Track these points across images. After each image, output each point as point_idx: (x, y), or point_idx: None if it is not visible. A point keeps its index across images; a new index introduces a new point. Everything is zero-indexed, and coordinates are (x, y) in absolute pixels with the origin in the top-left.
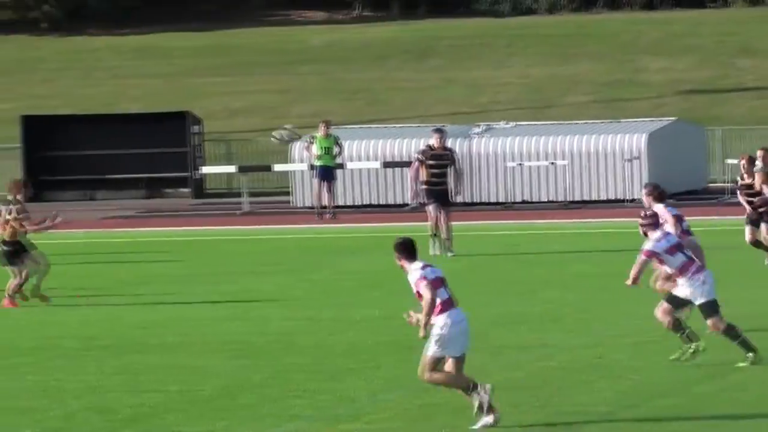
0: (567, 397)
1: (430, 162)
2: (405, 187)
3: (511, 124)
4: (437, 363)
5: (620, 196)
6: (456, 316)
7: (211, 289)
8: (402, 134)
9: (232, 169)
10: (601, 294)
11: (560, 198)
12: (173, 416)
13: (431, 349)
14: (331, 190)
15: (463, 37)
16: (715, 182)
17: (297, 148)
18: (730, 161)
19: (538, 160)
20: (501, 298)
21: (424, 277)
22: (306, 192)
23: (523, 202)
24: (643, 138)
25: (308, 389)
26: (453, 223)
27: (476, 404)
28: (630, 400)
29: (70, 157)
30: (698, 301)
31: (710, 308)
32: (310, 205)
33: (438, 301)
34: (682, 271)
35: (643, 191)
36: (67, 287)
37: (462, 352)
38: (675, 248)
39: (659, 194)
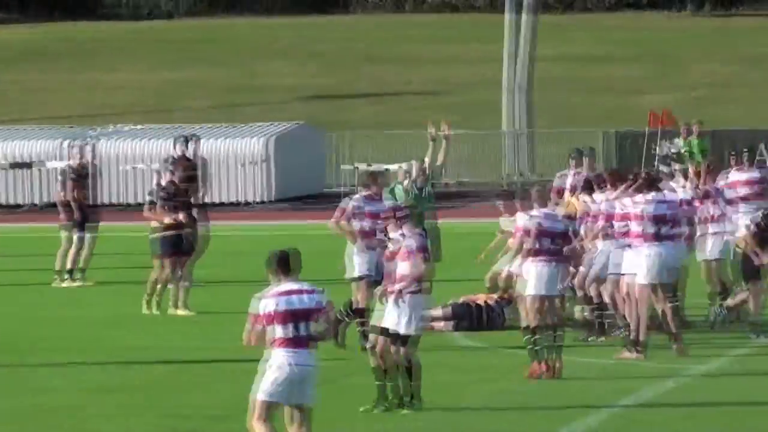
0: (181, 399)
1: None
2: (22, 189)
3: (128, 127)
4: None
5: (240, 200)
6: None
7: None
8: (24, 136)
9: None
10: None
11: None
12: None
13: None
14: None
15: (83, 40)
16: (331, 187)
17: None
18: (344, 167)
19: (151, 163)
20: (117, 299)
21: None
22: None
23: (138, 204)
24: (264, 142)
25: None
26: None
27: None
28: (247, 403)
29: None
30: None
31: None
32: None
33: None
34: None
35: None
36: None
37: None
38: None
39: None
